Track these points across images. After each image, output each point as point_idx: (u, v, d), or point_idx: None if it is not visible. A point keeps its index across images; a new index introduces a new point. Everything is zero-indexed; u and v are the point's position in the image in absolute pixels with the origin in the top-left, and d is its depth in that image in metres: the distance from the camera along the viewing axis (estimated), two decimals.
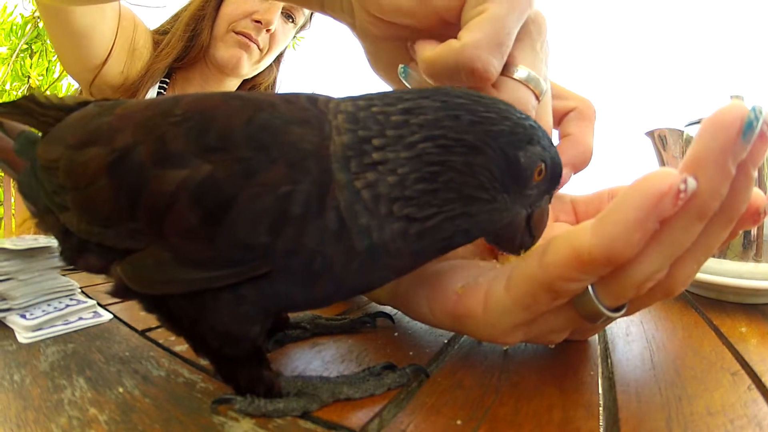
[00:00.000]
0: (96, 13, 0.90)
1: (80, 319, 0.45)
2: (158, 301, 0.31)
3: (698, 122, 0.64)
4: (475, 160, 0.28)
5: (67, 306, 0.47)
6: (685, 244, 0.27)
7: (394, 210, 0.28)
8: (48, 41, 2.21)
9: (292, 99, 0.30)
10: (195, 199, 0.27)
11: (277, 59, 1.21)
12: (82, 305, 0.47)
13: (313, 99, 0.31)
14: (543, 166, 0.31)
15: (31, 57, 2.31)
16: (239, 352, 0.30)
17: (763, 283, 0.53)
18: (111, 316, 0.46)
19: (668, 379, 0.34)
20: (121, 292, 0.30)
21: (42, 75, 2.35)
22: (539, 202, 0.33)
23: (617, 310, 0.30)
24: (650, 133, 0.72)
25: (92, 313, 0.47)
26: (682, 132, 0.67)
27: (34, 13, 2.19)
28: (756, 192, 0.28)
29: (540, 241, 0.34)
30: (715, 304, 0.54)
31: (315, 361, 0.37)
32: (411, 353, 0.39)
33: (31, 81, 2.31)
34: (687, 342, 0.42)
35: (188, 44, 1.05)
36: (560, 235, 0.28)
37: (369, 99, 0.30)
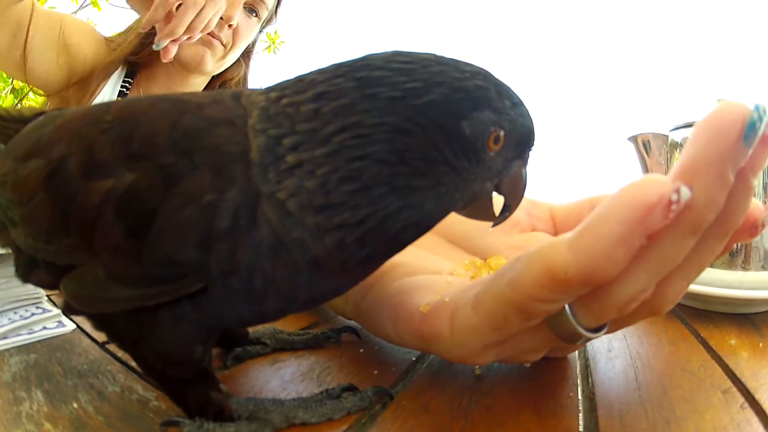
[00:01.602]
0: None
1: (44, 328, 0.44)
2: (102, 319, 0.29)
3: (684, 126, 0.62)
4: (403, 144, 0.25)
5: (33, 314, 0.46)
6: (675, 260, 0.24)
7: (321, 222, 0.25)
8: None
9: (218, 98, 0.28)
10: (119, 212, 0.25)
11: (247, 54, 1.22)
12: (47, 314, 0.46)
13: (237, 95, 0.28)
14: (499, 132, 0.27)
15: None
16: (184, 373, 0.28)
17: (751, 293, 0.50)
18: (74, 326, 0.45)
19: (655, 400, 0.32)
20: (70, 309, 0.29)
21: None
22: (507, 171, 0.29)
23: (597, 330, 0.27)
24: (633, 138, 0.70)
25: (56, 323, 0.46)
26: (667, 137, 0.65)
27: None
28: (753, 202, 0.26)
29: (511, 256, 0.31)
30: (702, 315, 0.52)
31: (274, 379, 0.35)
32: (375, 372, 0.36)
33: (15, 82, 2.29)
34: (674, 357, 0.40)
35: (144, 40, 1.06)
36: (533, 250, 0.25)
37: (282, 89, 0.27)
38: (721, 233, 0.25)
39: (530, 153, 0.30)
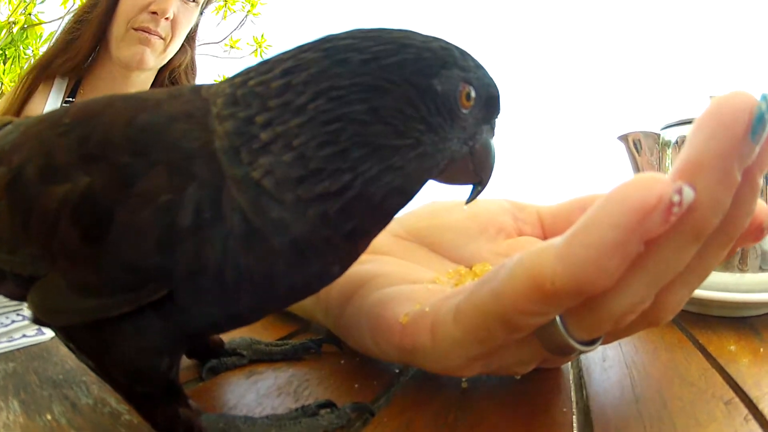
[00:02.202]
0: None
1: (24, 336, 0.44)
2: (67, 332, 0.28)
3: (676, 124, 0.60)
4: (380, 102, 0.24)
5: (13, 322, 0.45)
6: (675, 268, 0.22)
7: (301, 195, 0.24)
8: (21, 47, 2.21)
9: (177, 93, 0.27)
10: (75, 217, 0.24)
11: (191, 39, 1.20)
12: (27, 321, 0.45)
13: (196, 89, 0.27)
14: (469, 88, 0.27)
15: (4, 63, 2.32)
16: (150, 387, 0.27)
17: (749, 296, 0.49)
18: (53, 334, 0.43)
19: (654, 414, 0.30)
20: (38, 322, 0.28)
21: (14, 81, 2.32)
22: (480, 135, 0.28)
23: (591, 342, 0.25)
24: (623, 137, 0.69)
25: (36, 330, 0.45)
26: (659, 135, 0.64)
27: (9, 18, 2.17)
28: (760, 204, 0.24)
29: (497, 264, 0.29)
30: (699, 319, 0.50)
31: (249, 393, 0.34)
32: (356, 386, 0.34)
33: (3, 87, 2.29)
34: (672, 366, 0.38)
35: (65, 47, 1.06)
36: (518, 257, 0.23)
37: (246, 73, 0.26)
38: (725, 237, 0.23)
39: (497, 120, 0.30)
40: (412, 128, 0.25)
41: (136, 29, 1.04)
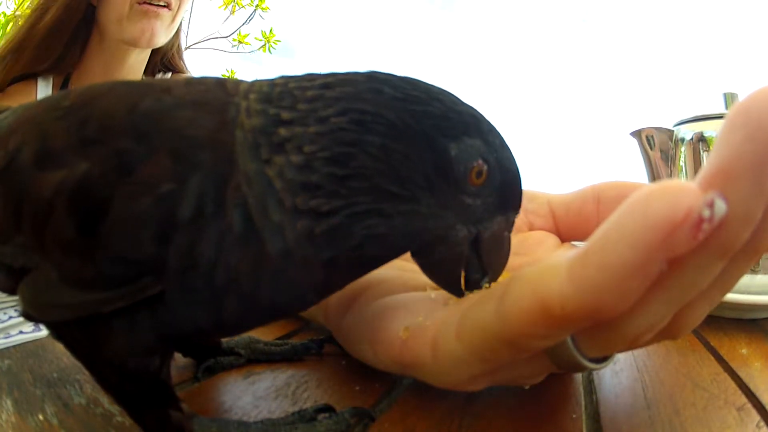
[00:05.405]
0: None
1: (21, 332, 0.45)
2: (57, 328, 0.27)
3: (690, 121, 0.59)
4: (393, 144, 0.23)
5: (11, 318, 0.45)
6: (698, 287, 0.20)
7: (298, 203, 0.23)
8: None
9: (194, 81, 0.27)
10: (71, 205, 0.23)
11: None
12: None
13: (221, 81, 0.27)
14: (484, 166, 0.25)
15: None
16: (141, 387, 0.26)
17: (761, 298, 0.48)
18: None
19: (666, 420, 0.29)
20: (28, 317, 0.27)
21: None
22: (488, 223, 0.26)
23: (604, 360, 0.24)
24: (636, 133, 0.68)
25: (33, 326, 0.46)
26: (672, 131, 0.62)
27: (15, 12, 2.18)
28: None
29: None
30: (710, 321, 0.49)
31: (245, 395, 0.33)
32: (357, 388, 0.33)
33: None
34: (684, 370, 0.37)
35: (15, 48, 0.97)
36: (524, 274, 0.21)
37: (290, 77, 0.26)
38: (753, 251, 0.20)
39: (514, 215, 0.28)
40: (412, 180, 0.24)
41: (140, 3, 0.97)
